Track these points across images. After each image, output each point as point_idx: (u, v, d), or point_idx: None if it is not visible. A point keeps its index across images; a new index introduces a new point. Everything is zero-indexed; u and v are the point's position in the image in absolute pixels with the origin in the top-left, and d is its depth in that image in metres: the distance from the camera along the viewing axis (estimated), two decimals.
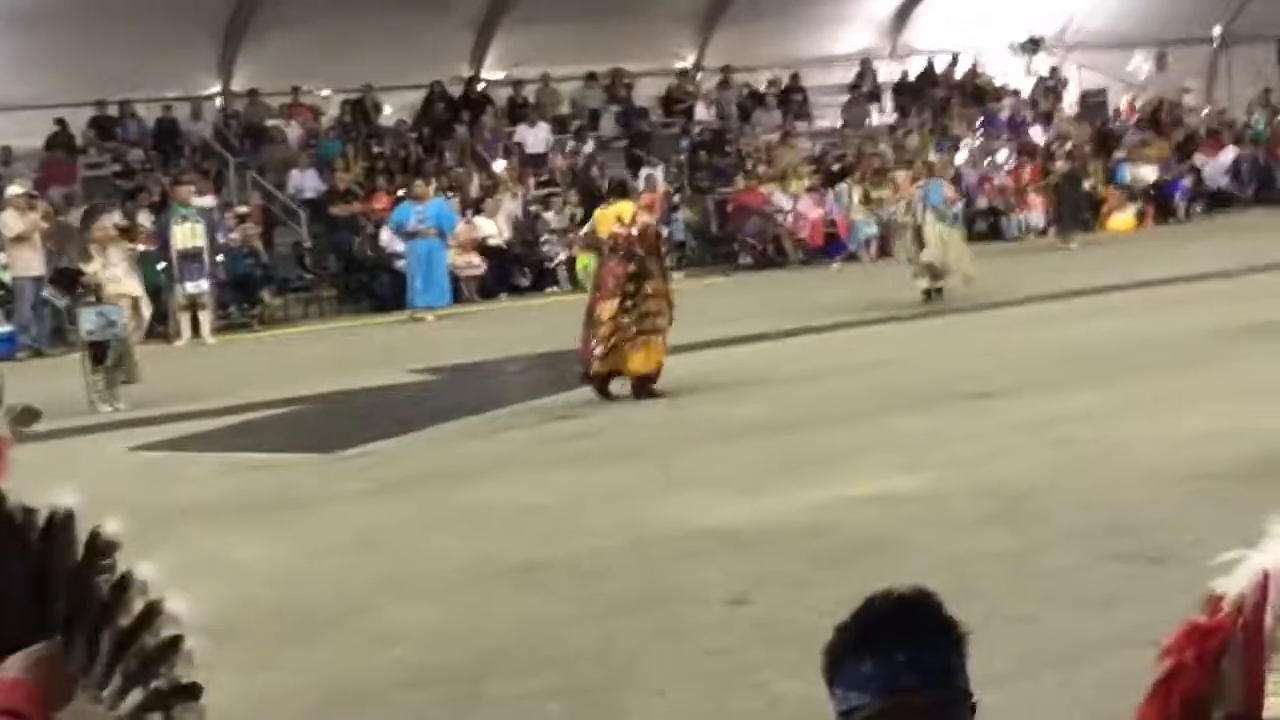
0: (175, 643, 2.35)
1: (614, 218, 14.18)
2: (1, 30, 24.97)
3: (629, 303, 13.79)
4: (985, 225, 28.64)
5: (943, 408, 12.24)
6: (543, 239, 26.11)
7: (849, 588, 6.38)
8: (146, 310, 16.40)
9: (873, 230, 26.95)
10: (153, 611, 2.33)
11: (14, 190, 21.69)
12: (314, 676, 6.91)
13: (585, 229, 15.62)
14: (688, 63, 32.64)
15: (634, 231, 14.08)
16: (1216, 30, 37.29)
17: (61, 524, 2.32)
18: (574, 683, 6.56)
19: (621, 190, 15.19)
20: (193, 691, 2.36)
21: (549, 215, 26.64)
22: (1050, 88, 35.11)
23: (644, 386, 13.90)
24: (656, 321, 13.87)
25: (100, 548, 2.33)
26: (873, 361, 14.98)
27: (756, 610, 7.37)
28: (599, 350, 13.77)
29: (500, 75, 30.61)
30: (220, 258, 22.88)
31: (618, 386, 14.00)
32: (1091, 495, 9.04)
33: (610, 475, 10.82)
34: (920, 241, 19.46)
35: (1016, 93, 34.66)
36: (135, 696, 2.31)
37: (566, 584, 8.16)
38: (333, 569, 8.89)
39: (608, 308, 13.81)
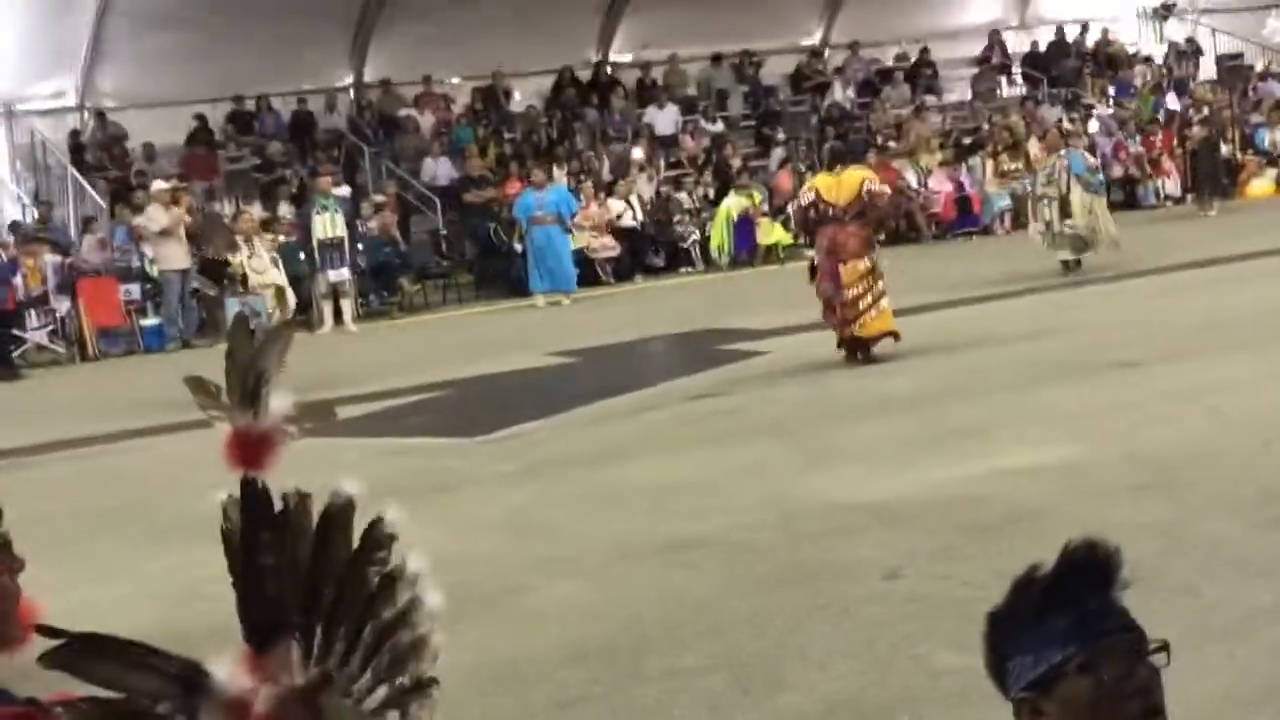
0: (425, 639, 2.25)
1: (860, 181, 14.14)
2: (142, 30, 25.47)
3: (873, 261, 13.99)
4: (1121, 193, 28.21)
5: (1090, 378, 12.14)
6: (676, 219, 26.17)
7: (1002, 560, 6.42)
8: (291, 300, 16.69)
9: (1006, 203, 26.69)
10: (414, 606, 2.21)
11: (159, 185, 22.22)
12: (477, 655, 7.00)
13: (799, 200, 15.25)
14: (815, 39, 32.52)
15: (888, 190, 14.27)
16: None
17: (339, 511, 2.23)
18: (733, 656, 6.61)
19: (847, 157, 15.28)
20: (430, 686, 2.25)
21: (681, 196, 26.69)
22: (1183, 53, 34.51)
23: (868, 348, 14.10)
24: (882, 284, 14.04)
25: (377, 538, 2.21)
26: (1016, 333, 14.88)
27: (910, 584, 7.37)
28: (851, 314, 13.90)
29: (628, 58, 30.71)
30: (360, 246, 23.19)
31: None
32: (1245, 464, 8.93)
33: (755, 452, 10.83)
34: (1066, 211, 19.24)
35: (1149, 59, 34.13)
36: (380, 693, 2.22)
37: (717, 560, 8.20)
38: (486, 550, 8.99)
39: (856, 268, 13.90)
